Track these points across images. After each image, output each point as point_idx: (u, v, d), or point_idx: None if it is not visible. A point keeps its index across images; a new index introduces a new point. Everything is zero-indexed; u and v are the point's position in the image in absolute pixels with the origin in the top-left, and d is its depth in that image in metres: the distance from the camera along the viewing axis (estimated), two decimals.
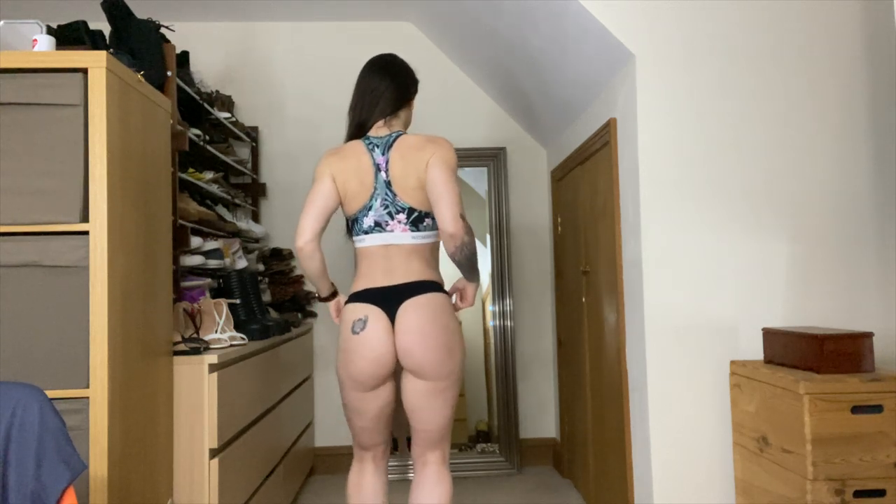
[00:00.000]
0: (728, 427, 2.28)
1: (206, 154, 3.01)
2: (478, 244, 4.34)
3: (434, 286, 2.01)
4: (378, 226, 2.02)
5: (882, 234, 2.34)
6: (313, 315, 3.85)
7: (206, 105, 3.02)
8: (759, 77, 2.36)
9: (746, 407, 2.15)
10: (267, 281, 3.52)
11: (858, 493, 1.82)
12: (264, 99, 3.94)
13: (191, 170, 2.82)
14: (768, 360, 2.15)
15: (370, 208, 2.02)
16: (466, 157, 3.94)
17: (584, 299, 3.16)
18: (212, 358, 2.09)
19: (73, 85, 1.65)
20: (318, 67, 3.97)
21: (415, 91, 2.15)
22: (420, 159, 1.98)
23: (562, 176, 3.57)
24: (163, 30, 2.51)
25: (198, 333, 2.29)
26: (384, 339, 1.95)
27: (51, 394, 1.60)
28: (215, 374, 2.08)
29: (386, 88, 2.07)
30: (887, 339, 2.28)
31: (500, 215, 3.92)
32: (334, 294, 2.21)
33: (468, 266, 2.00)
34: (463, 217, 1.92)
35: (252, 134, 3.76)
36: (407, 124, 2.15)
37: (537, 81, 3.20)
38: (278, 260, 3.67)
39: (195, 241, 2.60)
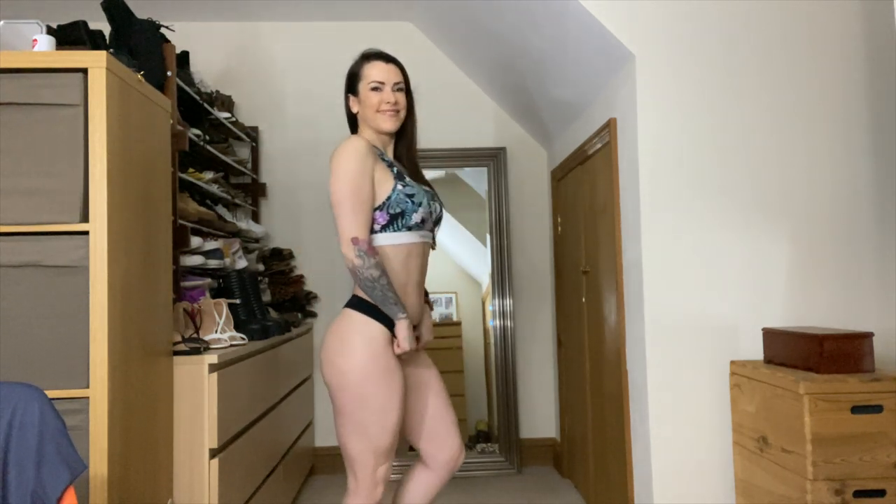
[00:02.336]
0: (728, 427, 2.28)
1: (206, 154, 3.01)
2: (478, 244, 4.36)
3: (351, 300, 1.90)
4: None
5: (882, 235, 2.33)
6: (313, 315, 3.85)
7: (206, 105, 3.02)
8: (759, 77, 2.36)
9: (746, 407, 2.15)
10: (267, 281, 3.52)
11: (858, 493, 1.82)
12: (264, 99, 3.94)
13: (191, 170, 2.82)
14: (768, 360, 2.15)
15: None
16: (466, 157, 3.94)
17: (584, 299, 3.16)
18: (212, 358, 2.09)
19: (73, 85, 1.65)
20: (318, 67, 3.96)
21: (347, 90, 2.00)
22: None
23: (562, 176, 3.57)
24: (163, 30, 2.51)
25: (198, 333, 2.29)
26: None
27: (51, 394, 1.60)
28: (215, 374, 2.08)
29: None
30: (887, 339, 2.28)
31: (500, 215, 3.93)
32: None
33: (371, 296, 1.82)
34: (357, 241, 1.78)
35: (252, 134, 3.76)
36: (361, 122, 1.99)
37: (537, 81, 3.20)
38: (278, 260, 3.67)
39: (195, 241, 2.60)
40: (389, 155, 1.99)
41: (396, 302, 1.81)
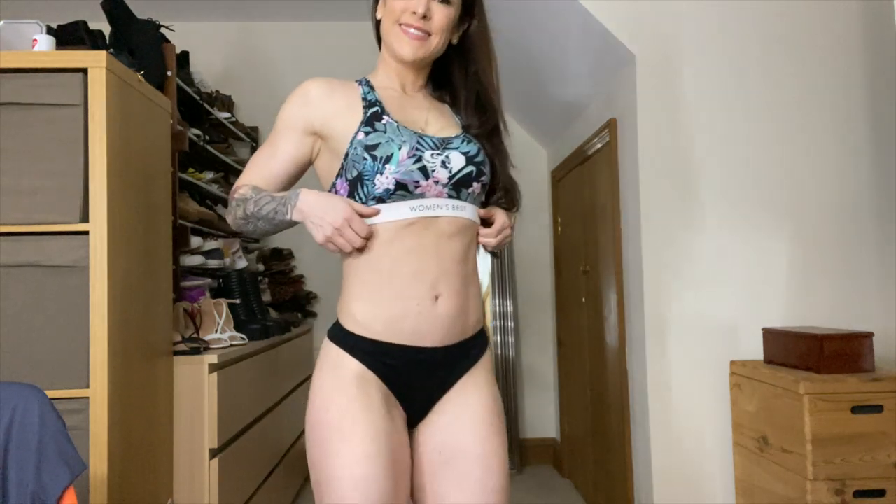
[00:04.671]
0: (728, 427, 2.28)
1: (206, 154, 3.01)
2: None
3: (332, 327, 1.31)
4: None
5: (882, 235, 2.33)
6: (313, 315, 3.85)
7: (206, 105, 3.02)
8: (759, 77, 2.36)
9: (746, 407, 2.15)
10: (267, 281, 3.52)
11: (858, 493, 1.82)
12: (264, 99, 3.93)
13: (191, 170, 2.82)
14: (768, 360, 2.15)
15: None
16: None
17: (584, 299, 3.16)
18: (212, 358, 2.09)
19: (73, 85, 1.65)
20: (317, 67, 3.96)
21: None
22: None
23: (562, 176, 3.57)
24: (163, 30, 2.50)
25: (198, 333, 2.29)
26: None
27: (51, 394, 1.59)
28: (215, 374, 2.08)
29: None
30: (887, 339, 2.28)
31: None
32: None
33: (259, 230, 1.30)
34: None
35: (252, 134, 3.76)
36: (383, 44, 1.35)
37: (537, 81, 3.20)
38: (278, 260, 3.67)
39: (195, 241, 2.60)
40: (417, 107, 1.31)
41: (280, 200, 1.22)
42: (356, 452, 1.14)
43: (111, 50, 2.19)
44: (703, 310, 2.31)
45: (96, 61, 1.66)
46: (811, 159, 2.35)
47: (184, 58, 2.99)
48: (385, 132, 1.22)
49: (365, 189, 1.20)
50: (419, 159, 1.20)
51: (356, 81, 1.32)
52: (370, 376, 1.21)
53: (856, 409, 1.83)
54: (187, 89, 2.80)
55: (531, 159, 4.02)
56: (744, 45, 2.36)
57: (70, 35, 2.12)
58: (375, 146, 1.20)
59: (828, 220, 2.34)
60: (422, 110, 1.32)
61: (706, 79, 2.35)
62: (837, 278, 2.32)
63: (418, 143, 1.22)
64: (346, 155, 1.22)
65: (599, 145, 2.79)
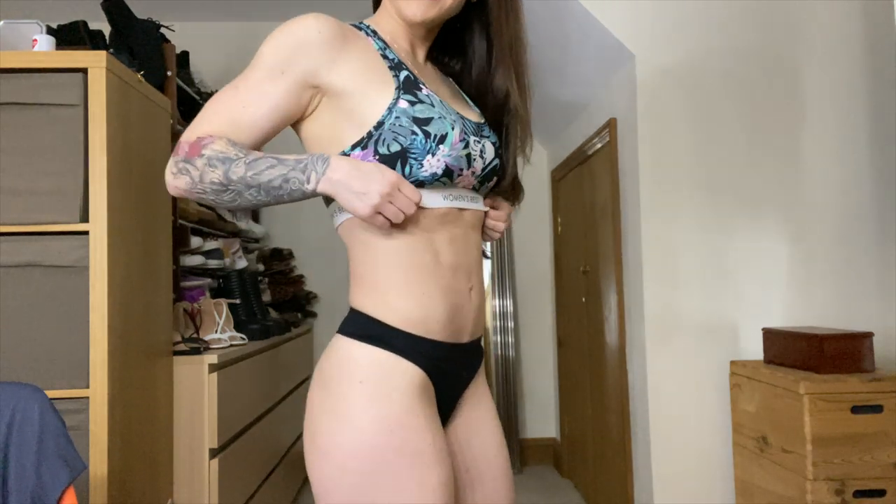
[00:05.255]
0: (728, 427, 2.28)
1: None
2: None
3: (346, 319, 1.06)
4: None
5: (882, 234, 2.33)
6: (313, 315, 3.85)
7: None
8: (758, 77, 2.36)
9: (746, 407, 2.15)
10: (267, 281, 3.52)
11: (858, 493, 1.82)
12: None
13: None
14: (768, 360, 2.15)
15: None
16: None
17: (584, 299, 3.16)
18: (212, 358, 2.09)
19: (73, 85, 1.65)
20: None
21: None
22: None
23: (562, 176, 3.57)
24: (163, 30, 2.50)
25: (198, 333, 2.29)
26: None
27: (51, 394, 1.60)
28: (215, 374, 2.08)
29: None
30: (887, 339, 2.28)
31: None
32: None
33: (245, 203, 0.98)
34: (177, 149, 0.98)
35: None
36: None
37: (537, 81, 3.19)
38: (278, 260, 3.67)
39: (195, 241, 2.60)
40: (434, 81, 1.12)
41: (294, 166, 0.95)
42: (441, 477, 0.97)
43: (111, 50, 2.20)
44: (703, 310, 2.31)
45: (96, 61, 1.66)
46: (811, 158, 2.35)
47: (184, 58, 2.99)
48: (433, 106, 1.01)
49: (408, 169, 0.99)
50: (466, 145, 1.03)
51: (356, 27, 1.07)
52: (429, 384, 1.03)
53: (856, 409, 1.83)
54: (187, 89, 2.80)
55: (531, 159, 4.02)
56: (744, 44, 2.36)
57: (70, 35, 2.12)
58: (428, 121, 0.99)
59: (828, 221, 2.34)
60: (439, 85, 1.12)
61: (706, 78, 2.35)
62: (837, 278, 2.32)
63: (464, 125, 1.04)
64: (381, 124, 0.98)
65: (599, 145, 2.79)
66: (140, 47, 2.31)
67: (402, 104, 0.99)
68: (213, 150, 0.95)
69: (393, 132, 0.98)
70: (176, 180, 0.97)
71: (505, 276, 3.90)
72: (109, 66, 1.68)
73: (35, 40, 1.74)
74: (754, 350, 2.29)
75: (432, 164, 0.99)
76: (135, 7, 2.45)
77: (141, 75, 1.94)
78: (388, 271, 1.03)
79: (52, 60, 1.66)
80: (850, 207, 2.34)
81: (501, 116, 1.14)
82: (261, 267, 3.49)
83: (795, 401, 1.87)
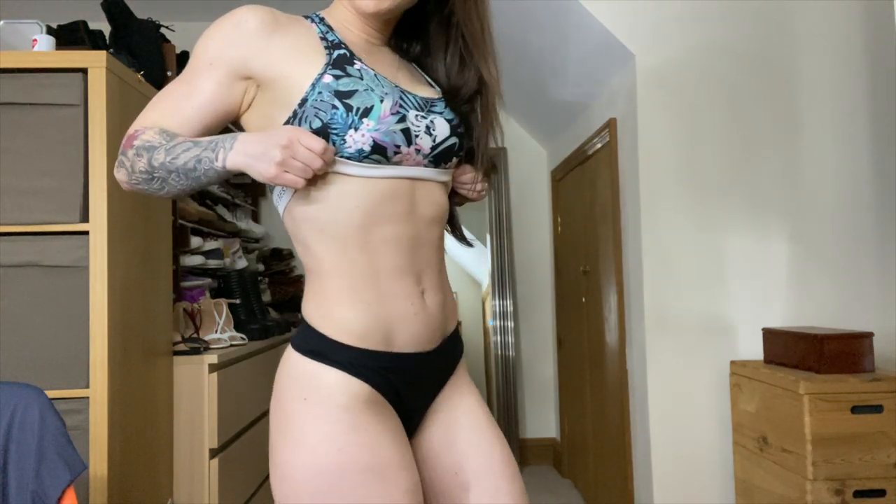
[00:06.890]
0: (728, 427, 2.28)
1: None
2: (478, 244, 4.35)
3: (297, 332, 1.04)
4: None
5: (882, 234, 2.33)
6: None
7: None
8: (758, 77, 2.36)
9: (746, 407, 2.15)
10: (267, 281, 3.52)
11: (858, 493, 1.82)
12: None
13: None
14: (768, 360, 2.15)
15: None
16: None
17: (584, 299, 3.16)
18: (212, 358, 2.09)
19: (73, 85, 1.65)
20: None
21: None
22: None
23: (562, 176, 3.57)
24: (163, 30, 2.50)
25: (198, 333, 2.29)
26: None
27: (51, 394, 1.59)
28: (215, 374, 2.08)
29: None
30: (887, 339, 2.28)
31: (500, 215, 3.93)
32: None
33: (170, 190, 0.98)
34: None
35: None
36: None
37: (537, 81, 3.20)
38: (278, 260, 3.67)
39: (195, 241, 2.60)
40: (385, 62, 1.08)
41: (206, 146, 0.94)
42: (403, 486, 0.95)
43: (111, 50, 2.20)
44: (703, 310, 2.31)
45: (96, 61, 1.66)
46: (811, 158, 2.35)
47: (184, 58, 2.98)
48: (361, 79, 0.97)
49: (331, 145, 0.94)
50: (402, 119, 0.97)
51: (305, 17, 1.05)
52: (378, 397, 0.99)
53: (856, 409, 1.83)
54: None
55: (531, 159, 4.02)
56: (744, 44, 2.36)
57: (70, 35, 2.12)
58: (350, 94, 0.95)
59: (828, 220, 2.34)
60: (391, 66, 1.07)
61: (706, 78, 2.35)
62: (837, 278, 2.32)
63: (402, 98, 0.99)
64: (304, 101, 0.95)
65: (599, 145, 2.79)
66: (140, 47, 2.31)
67: (327, 79, 0.96)
68: (141, 140, 0.97)
69: (314, 108, 0.95)
70: (117, 173, 1.00)
71: (505, 276, 3.90)
72: (109, 66, 1.68)
73: (35, 40, 1.74)
74: (754, 350, 2.29)
75: (356, 140, 0.94)
76: (135, 7, 2.45)
77: (141, 75, 1.94)
78: (322, 279, 1.00)
79: (52, 60, 1.66)
80: (849, 208, 2.34)
81: (473, 101, 1.10)
82: (261, 267, 3.49)
83: (795, 401, 1.87)
